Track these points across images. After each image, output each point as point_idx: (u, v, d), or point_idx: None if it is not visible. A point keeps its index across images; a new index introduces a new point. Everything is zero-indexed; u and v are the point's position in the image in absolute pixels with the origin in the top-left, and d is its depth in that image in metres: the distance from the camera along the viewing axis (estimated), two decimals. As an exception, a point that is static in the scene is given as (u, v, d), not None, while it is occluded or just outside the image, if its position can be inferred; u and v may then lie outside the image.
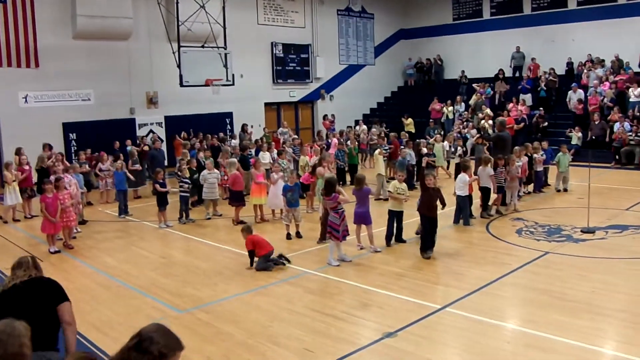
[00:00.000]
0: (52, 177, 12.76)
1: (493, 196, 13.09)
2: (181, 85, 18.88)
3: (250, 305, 8.09)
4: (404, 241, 11.00)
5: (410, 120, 24.61)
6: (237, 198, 13.42)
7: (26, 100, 19.06)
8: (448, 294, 8.20)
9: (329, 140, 19.51)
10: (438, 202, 10.23)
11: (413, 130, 23.55)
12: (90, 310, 7.92)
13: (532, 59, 25.73)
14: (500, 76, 25.57)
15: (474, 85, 25.78)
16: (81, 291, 8.94)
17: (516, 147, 14.29)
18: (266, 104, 25.83)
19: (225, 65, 19.78)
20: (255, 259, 9.84)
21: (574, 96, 22.82)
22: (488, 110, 23.13)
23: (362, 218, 10.56)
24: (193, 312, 7.83)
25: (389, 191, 11.29)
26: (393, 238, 10.92)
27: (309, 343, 6.74)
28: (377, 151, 15.74)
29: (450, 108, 25.28)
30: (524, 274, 9.05)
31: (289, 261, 9.98)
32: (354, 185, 10.93)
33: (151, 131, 21.40)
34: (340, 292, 8.69)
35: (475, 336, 6.79)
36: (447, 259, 10.06)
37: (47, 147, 16.82)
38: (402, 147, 16.53)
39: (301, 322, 7.39)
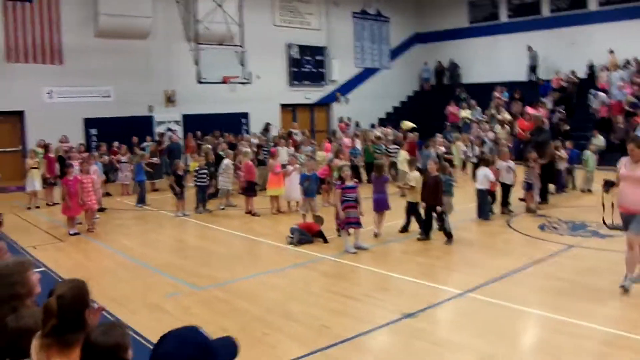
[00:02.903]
0: (74, 162, 13.15)
1: (518, 193, 12.99)
2: (199, 82, 19.20)
3: (266, 285, 8.22)
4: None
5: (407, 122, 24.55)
6: (249, 188, 13.71)
7: (50, 96, 19.54)
8: (468, 281, 8.01)
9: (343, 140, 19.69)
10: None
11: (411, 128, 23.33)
12: (110, 286, 8.11)
13: (557, 73, 24.97)
14: (517, 96, 24.73)
15: (494, 92, 25.51)
16: (101, 269, 9.25)
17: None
18: (282, 106, 26.08)
19: (242, 64, 20.10)
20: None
21: (596, 99, 22.44)
22: (506, 115, 23.03)
23: (380, 204, 10.78)
24: (209, 289, 7.98)
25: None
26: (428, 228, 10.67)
27: (325, 320, 6.74)
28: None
29: (468, 111, 25.08)
30: (548, 265, 8.83)
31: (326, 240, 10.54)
32: (374, 172, 11.24)
33: (169, 129, 21.73)
34: (357, 276, 8.77)
35: (498, 319, 6.66)
36: (466, 249, 10.03)
37: (63, 137, 17.46)
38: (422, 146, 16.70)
39: (318, 302, 7.45)
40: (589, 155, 15.31)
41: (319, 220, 11.08)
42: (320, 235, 10.65)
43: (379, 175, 11.02)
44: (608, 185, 7.83)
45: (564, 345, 5.88)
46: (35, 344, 3.06)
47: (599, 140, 18.21)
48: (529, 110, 20.30)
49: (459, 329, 6.47)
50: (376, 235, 10.87)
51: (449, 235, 10.26)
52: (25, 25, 18.80)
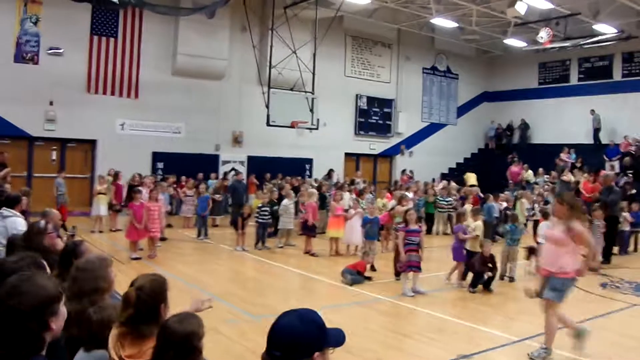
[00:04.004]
0: (143, 189, 13.47)
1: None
2: (268, 124, 19.52)
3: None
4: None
5: (472, 174, 24.40)
6: (309, 228, 13.83)
7: (122, 128, 20.18)
8: (526, 329, 7.89)
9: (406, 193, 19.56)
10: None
11: (475, 184, 23.20)
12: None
13: (625, 137, 24.46)
14: (578, 165, 24.20)
15: (561, 153, 25.11)
16: (160, 292, 9.26)
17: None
18: (346, 154, 26.20)
19: (312, 110, 20.35)
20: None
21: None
22: (570, 176, 22.60)
23: (454, 253, 10.85)
24: (267, 318, 7.89)
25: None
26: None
27: (382, 354, 6.75)
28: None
29: (530, 172, 24.63)
30: (609, 320, 8.70)
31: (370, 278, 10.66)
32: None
33: (233, 169, 22.05)
34: (414, 317, 8.70)
35: None
36: (524, 299, 9.62)
37: (136, 175, 17.74)
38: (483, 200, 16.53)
39: (375, 338, 7.39)
40: None
41: (366, 256, 11.23)
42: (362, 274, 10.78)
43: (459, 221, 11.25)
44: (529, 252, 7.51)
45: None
46: (112, 333, 3.15)
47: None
48: (601, 172, 19.89)
49: None
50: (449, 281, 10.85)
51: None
52: (108, 59, 19.65)
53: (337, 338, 2.20)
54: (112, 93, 19.84)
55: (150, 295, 3.16)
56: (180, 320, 2.94)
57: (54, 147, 19.37)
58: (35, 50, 18.35)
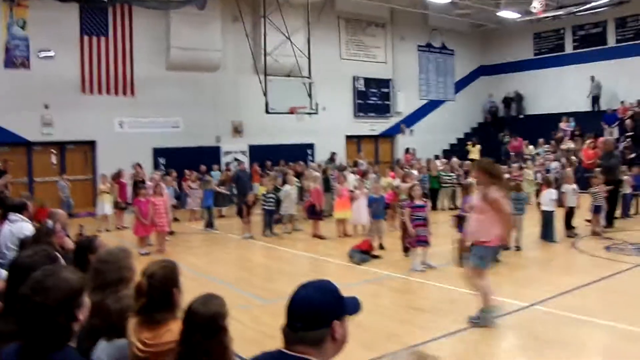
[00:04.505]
0: (149, 184, 13.46)
1: (585, 214, 12.86)
2: (267, 112, 19.45)
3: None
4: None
5: (476, 147, 24.46)
6: (315, 212, 13.84)
7: (121, 126, 20.11)
8: (535, 295, 8.03)
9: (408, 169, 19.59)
10: None
11: (478, 158, 23.21)
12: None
13: (622, 102, 24.63)
14: (577, 133, 24.36)
15: (560, 123, 25.20)
16: (171, 283, 9.28)
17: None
18: (347, 137, 26.13)
19: (310, 95, 20.26)
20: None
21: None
22: (571, 144, 22.73)
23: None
24: (278, 302, 7.91)
25: None
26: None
27: (395, 328, 6.79)
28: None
29: (531, 147, 24.56)
30: (614, 281, 8.83)
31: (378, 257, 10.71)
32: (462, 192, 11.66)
33: (235, 159, 21.99)
34: (425, 291, 8.76)
35: (565, 328, 6.67)
36: (533, 267, 10.13)
37: (137, 165, 17.86)
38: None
39: (387, 313, 7.43)
40: None
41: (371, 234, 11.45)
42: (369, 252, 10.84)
43: (466, 194, 11.12)
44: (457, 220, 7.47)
45: (630, 352, 5.93)
46: (130, 322, 3.20)
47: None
48: (600, 139, 19.99)
49: (527, 337, 6.53)
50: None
51: None
52: (100, 58, 19.52)
53: (354, 306, 2.23)
54: (108, 92, 19.70)
55: (161, 282, 3.17)
56: (204, 302, 2.96)
57: (53, 151, 19.28)
58: (25, 54, 18.16)
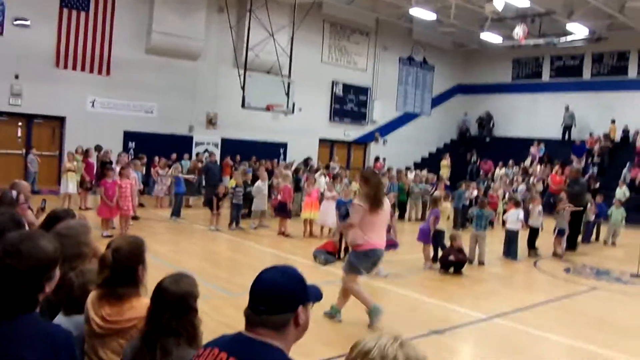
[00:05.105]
0: (115, 165, 13.17)
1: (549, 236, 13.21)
2: (243, 106, 19.26)
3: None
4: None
5: (446, 163, 24.95)
6: (283, 209, 13.74)
7: (93, 105, 19.66)
8: (494, 308, 8.25)
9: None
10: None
11: (447, 174, 23.67)
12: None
13: (590, 134, 25.51)
14: (545, 159, 25.07)
15: (531, 147, 25.79)
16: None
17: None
18: (321, 140, 26.09)
19: (287, 94, 20.15)
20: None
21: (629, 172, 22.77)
22: (537, 168, 23.46)
23: (421, 233, 10.99)
24: (243, 296, 7.77)
25: None
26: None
27: (356, 330, 6.73)
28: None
29: (503, 170, 24.79)
30: (570, 301, 9.14)
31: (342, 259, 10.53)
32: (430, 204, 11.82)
33: (206, 150, 21.71)
34: (387, 297, 8.69)
35: (522, 342, 6.89)
36: (493, 282, 10.43)
37: (109, 151, 17.44)
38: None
39: (346, 315, 7.34)
40: (613, 210, 16.00)
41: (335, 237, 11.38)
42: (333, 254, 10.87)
43: (433, 206, 11.56)
44: None
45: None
46: (91, 295, 3.12)
47: (621, 192, 19.15)
48: (568, 167, 21.21)
49: (485, 348, 6.76)
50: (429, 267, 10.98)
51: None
52: (79, 33, 19.06)
53: (316, 294, 2.19)
54: (83, 69, 19.22)
55: (127, 257, 3.09)
56: (175, 280, 2.87)
57: (20, 123, 18.76)
58: (0, 20, 17.64)
